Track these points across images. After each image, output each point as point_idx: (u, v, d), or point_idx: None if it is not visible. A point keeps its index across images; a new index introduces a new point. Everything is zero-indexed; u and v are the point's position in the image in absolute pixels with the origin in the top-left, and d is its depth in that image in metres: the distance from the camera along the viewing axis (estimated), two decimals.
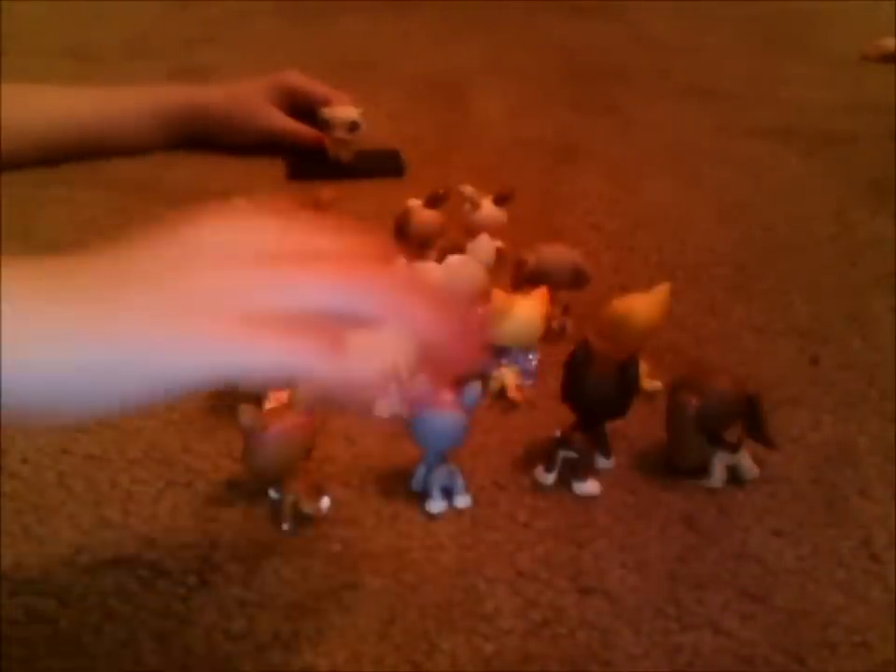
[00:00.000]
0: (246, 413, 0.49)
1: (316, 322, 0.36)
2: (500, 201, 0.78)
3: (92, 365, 0.34)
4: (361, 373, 0.37)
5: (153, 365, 0.35)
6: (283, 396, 0.57)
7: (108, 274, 0.36)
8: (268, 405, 0.54)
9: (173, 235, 0.38)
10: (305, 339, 0.35)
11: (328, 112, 0.97)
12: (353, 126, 0.96)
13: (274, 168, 0.99)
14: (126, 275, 0.36)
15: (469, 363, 0.40)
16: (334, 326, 0.36)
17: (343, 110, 0.97)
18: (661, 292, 0.62)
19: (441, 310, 0.38)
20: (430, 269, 0.68)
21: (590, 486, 0.54)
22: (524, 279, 0.67)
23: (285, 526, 0.50)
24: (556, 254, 0.68)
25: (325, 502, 0.51)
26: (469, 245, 0.72)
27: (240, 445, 0.56)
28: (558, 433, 0.54)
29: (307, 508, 0.50)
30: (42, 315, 0.34)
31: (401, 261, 0.67)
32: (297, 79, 1.04)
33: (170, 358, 0.35)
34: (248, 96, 1.02)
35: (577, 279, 0.68)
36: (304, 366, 0.36)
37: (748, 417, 0.54)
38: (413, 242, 0.77)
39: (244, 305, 0.35)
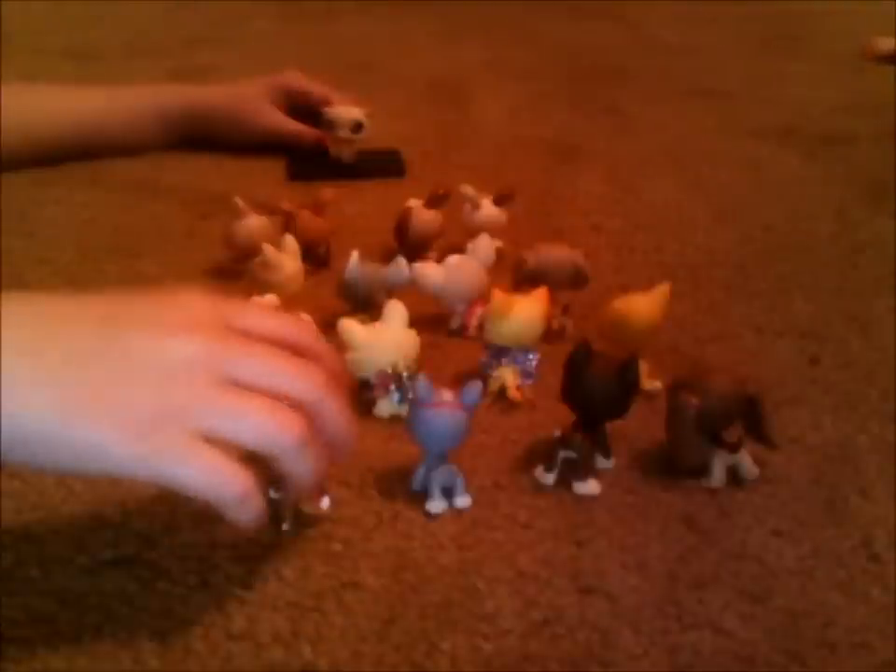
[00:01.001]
0: None
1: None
2: (500, 201, 0.78)
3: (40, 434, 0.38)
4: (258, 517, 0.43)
5: (89, 456, 0.39)
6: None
7: (79, 356, 0.40)
8: None
9: (149, 336, 0.41)
10: (238, 474, 0.41)
11: (331, 112, 0.97)
12: (357, 126, 0.96)
13: (274, 168, 0.99)
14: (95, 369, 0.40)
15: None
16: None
17: (347, 110, 0.97)
18: (661, 292, 0.62)
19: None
20: (430, 269, 0.68)
21: (590, 486, 0.54)
22: (523, 279, 0.67)
23: (285, 526, 0.50)
24: (556, 254, 0.68)
25: (325, 502, 0.51)
26: (469, 245, 0.72)
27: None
28: (558, 433, 0.54)
29: (307, 508, 0.50)
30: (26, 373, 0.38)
31: (402, 261, 0.68)
32: (297, 80, 1.04)
33: (90, 447, 0.39)
34: (249, 96, 1.02)
35: (577, 279, 0.68)
36: (229, 497, 0.41)
37: (748, 417, 0.54)
38: (413, 242, 0.77)
39: (195, 424, 0.40)
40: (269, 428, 0.42)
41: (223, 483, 0.41)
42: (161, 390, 0.40)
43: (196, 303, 0.44)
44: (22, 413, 0.38)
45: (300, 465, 0.43)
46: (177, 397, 0.40)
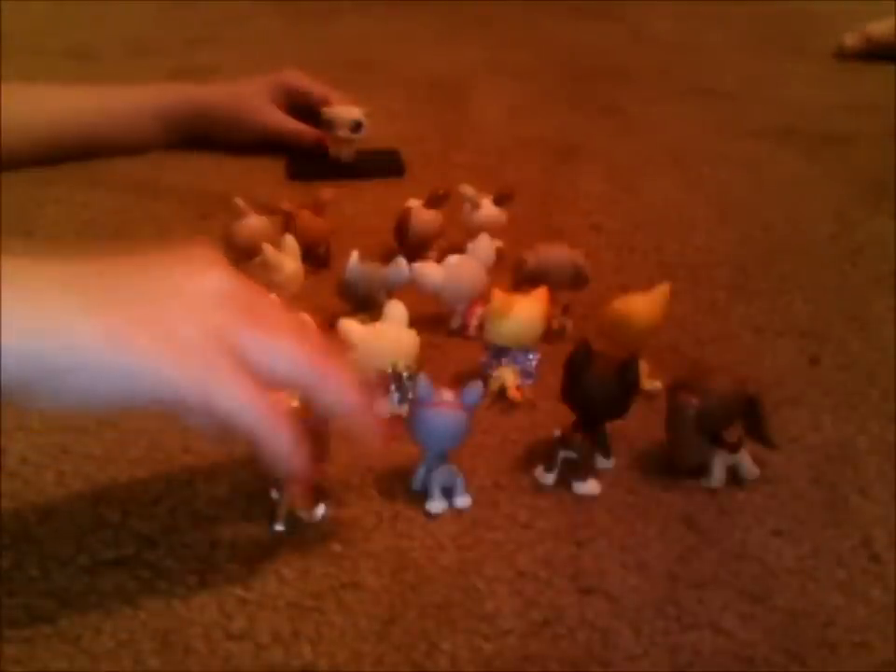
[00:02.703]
0: None
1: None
2: (500, 201, 0.78)
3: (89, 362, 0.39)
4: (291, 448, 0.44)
5: (124, 372, 0.40)
6: (285, 396, 0.57)
7: (117, 287, 0.42)
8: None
9: (180, 272, 0.43)
10: (265, 401, 0.42)
11: (330, 111, 0.97)
12: (356, 126, 0.96)
13: (274, 168, 0.99)
14: (131, 290, 0.42)
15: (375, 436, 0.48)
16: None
17: (346, 110, 0.97)
18: (661, 292, 0.62)
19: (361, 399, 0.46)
20: (430, 269, 0.68)
21: (590, 486, 0.54)
22: (523, 279, 0.67)
23: (278, 527, 0.50)
24: (556, 254, 0.68)
25: (320, 510, 0.51)
26: (469, 245, 0.72)
27: (240, 445, 0.56)
28: (558, 433, 0.54)
29: (303, 514, 0.50)
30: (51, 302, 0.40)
31: (402, 261, 0.68)
32: (297, 78, 1.04)
33: (144, 370, 0.40)
34: (249, 95, 1.02)
35: (577, 279, 0.68)
36: (267, 425, 0.42)
37: (748, 417, 0.54)
38: (413, 242, 0.77)
39: (235, 346, 0.42)
40: (300, 355, 0.44)
41: (262, 410, 0.42)
42: (201, 315, 0.42)
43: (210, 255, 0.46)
44: (77, 343, 0.39)
45: (329, 392, 0.45)
46: (218, 319, 0.42)
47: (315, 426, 0.50)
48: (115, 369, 0.39)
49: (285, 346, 0.43)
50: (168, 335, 0.40)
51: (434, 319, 0.69)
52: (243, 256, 0.72)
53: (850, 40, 1.46)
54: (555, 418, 0.57)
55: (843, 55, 1.46)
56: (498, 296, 0.61)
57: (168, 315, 0.41)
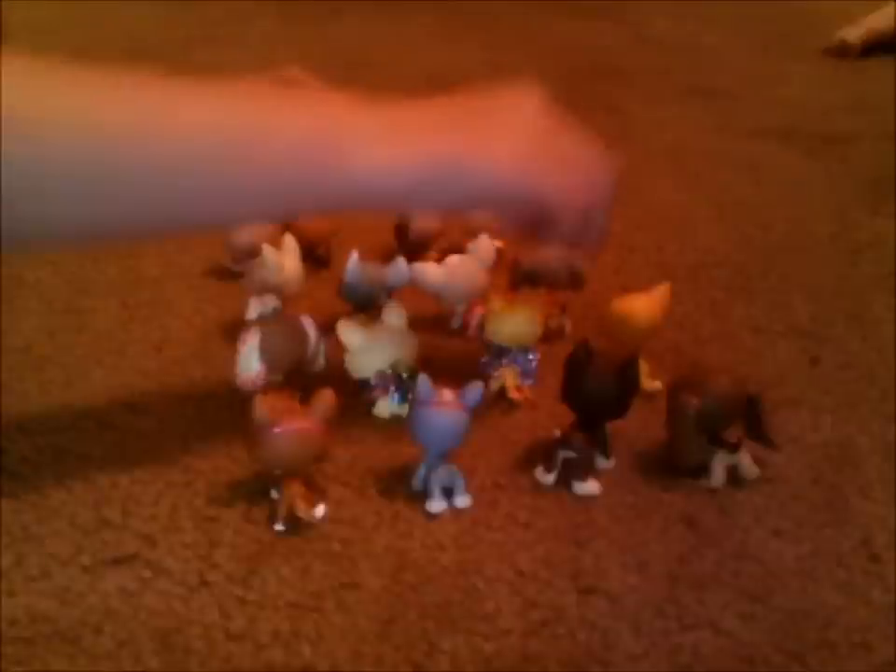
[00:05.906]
0: (261, 406, 0.49)
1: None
2: None
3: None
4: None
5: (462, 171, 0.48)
6: (285, 396, 0.57)
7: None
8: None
9: (510, 96, 0.52)
10: (579, 191, 0.51)
11: None
12: None
13: None
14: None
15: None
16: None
17: None
18: (661, 292, 0.62)
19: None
20: (430, 269, 0.67)
21: (590, 486, 0.54)
22: (521, 280, 0.67)
23: (278, 527, 0.50)
24: (552, 255, 0.68)
25: (319, 510, 0.51)
26: (469, 245, 0.72)
27: (240, 445, 0.56)
28: (558, 433, 0.54)
29: (302, 513, 0.50)
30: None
31: (402, 261, 0.68)
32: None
33: (489, 175, 0.49)
34: None
35: (573, 280, 0.68)
36: (569, 207, 0.51)
37: (748, 417, 0.54)
38: (412, 242, 0.77)
39: (549, 140, 0.51)
40: (593, 154, 0.53)
41: (567, 197, 0.51)
42: (530, 121, 0.50)
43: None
44: (435, 154, 0.48)
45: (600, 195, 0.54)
46: (543, 123, 0.51)
47: (315, 424, 0.50)
48: (464, 175, 0.48)
49: (583, 144, 0.53)
50: (503, 144, 0.49)
51: (434, 319, 0.69)
52: (243, 256, 0.72)
53: (854, 34, 1.44)
54: (555, 418, 0.57)
55: (846, 52, 1.44)
56: (498, 296, 0.61)
57: (504, 127, 0.50)
